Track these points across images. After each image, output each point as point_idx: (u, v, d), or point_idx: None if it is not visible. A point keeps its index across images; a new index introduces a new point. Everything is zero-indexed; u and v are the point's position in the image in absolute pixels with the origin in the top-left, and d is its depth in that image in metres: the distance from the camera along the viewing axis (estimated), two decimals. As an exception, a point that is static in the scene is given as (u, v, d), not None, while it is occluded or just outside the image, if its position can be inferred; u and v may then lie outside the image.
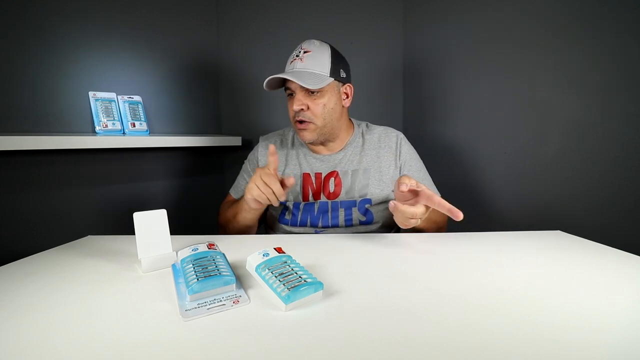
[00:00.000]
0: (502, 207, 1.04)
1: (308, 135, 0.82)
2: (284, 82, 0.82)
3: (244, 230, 0.82)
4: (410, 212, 0.59)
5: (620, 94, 0.77)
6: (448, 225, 0.83)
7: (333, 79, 0.79)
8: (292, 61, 0.81)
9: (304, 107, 0.79)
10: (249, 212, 0.77)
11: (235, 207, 0.81)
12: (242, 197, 0.76)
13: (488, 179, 1.08)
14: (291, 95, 0.82)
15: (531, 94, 0.94)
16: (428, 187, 0.85)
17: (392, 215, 0.86)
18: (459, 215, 0.56)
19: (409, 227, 0.63)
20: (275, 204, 0.69)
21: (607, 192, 0.81)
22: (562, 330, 0.34)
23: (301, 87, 0.77)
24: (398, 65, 1.38)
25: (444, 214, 0.84)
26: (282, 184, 0.69)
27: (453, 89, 1.18)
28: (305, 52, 0.80)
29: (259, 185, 0.67)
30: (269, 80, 0.79)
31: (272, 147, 0.69)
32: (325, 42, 0.83)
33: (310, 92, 0.79)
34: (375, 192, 0.83)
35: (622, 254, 0.56)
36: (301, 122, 0.81)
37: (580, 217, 0.85)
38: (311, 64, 0.78)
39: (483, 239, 0.65)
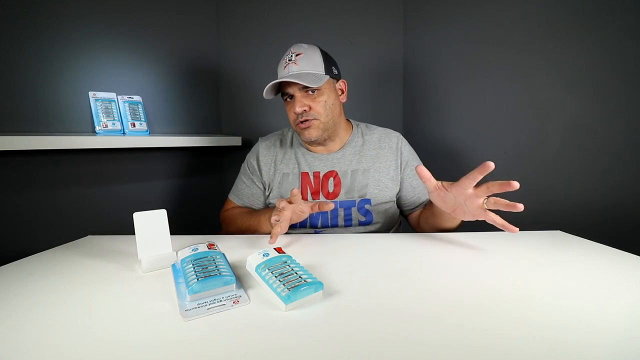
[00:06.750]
0: (502, 207, 1.04)
1: (314, 132, 0.81)
2: (278, 89, 0.83)
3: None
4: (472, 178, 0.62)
5: (619, 94, 0.77)
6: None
7: (328, 76, 0.80)
8: (285, 66, 0.80)
9: (306, 107, 0.79)
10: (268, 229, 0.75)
11: (252, 222, 0.80)
12: (262, 213, 0.78)
13: (488, 179, 1.08)
14: (288, 100, 0.82)
15: (531, 94, 0.94)
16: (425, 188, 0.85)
17: (392, 215, 0.87)
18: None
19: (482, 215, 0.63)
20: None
21: (607, 192, 0.81)
22: (562, 330, 0.34)
23: (301, 89, 0.78)
24: (398, 66, 1.38)
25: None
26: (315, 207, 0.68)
27: (453, 89, 1.18)
28: (297, 55, 0.80)
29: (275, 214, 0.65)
30: (268, 88, 0.78)
31: (295, 191, 0.65)
32: (312, 44, 0.84)
33: (310, 92, 0.79)
34: (375, 192, 0.83)
35: (622, 254, 0.56)
36: (304, 121, 0.80)
37: (580, 217, 0.85)
38: (306, 65, 0.79)
39: (483, 239, 0.65)
